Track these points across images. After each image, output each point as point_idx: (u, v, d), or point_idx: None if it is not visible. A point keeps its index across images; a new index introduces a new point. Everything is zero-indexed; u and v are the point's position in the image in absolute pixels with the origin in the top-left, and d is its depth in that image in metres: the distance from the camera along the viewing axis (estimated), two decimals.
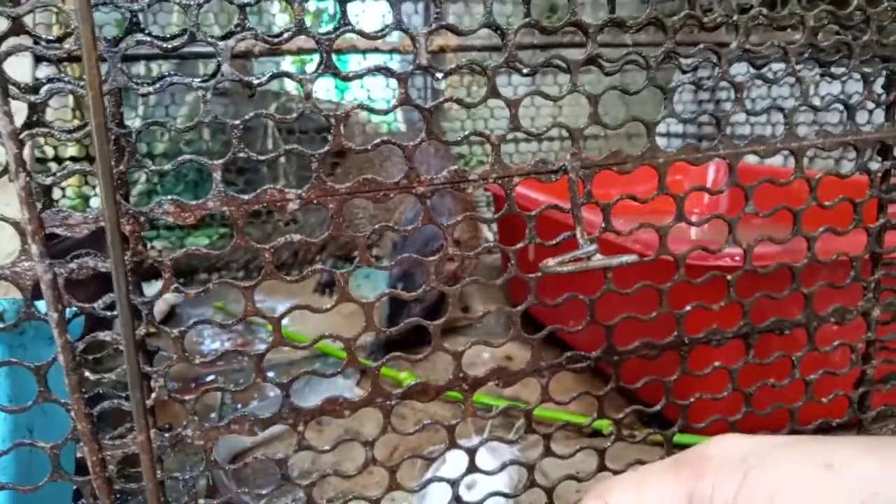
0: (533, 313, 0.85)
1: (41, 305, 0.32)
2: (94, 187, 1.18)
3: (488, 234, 1.23)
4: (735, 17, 0.39)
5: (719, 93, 1.36)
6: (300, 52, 0.41)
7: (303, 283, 0.37)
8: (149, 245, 1.12)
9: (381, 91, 1.35)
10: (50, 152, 1.14)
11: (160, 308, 0.95)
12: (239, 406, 0.72)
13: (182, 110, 1.18)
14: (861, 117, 0.44)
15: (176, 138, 1.24)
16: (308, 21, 0.34)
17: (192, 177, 1.32)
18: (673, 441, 0.44)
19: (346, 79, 0.36)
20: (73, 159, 1.12)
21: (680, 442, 0.45)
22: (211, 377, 0.77)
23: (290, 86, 1.40)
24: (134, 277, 0.34)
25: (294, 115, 0.35)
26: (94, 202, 1.11)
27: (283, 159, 1.44)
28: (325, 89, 1.45)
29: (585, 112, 0.38)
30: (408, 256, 0.38)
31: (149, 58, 0.35)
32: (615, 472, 0.41)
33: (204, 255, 0.34)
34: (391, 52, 0.47)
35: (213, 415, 0.69)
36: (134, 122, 1.21)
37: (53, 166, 1.07)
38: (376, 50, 0.46)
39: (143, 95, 0.33)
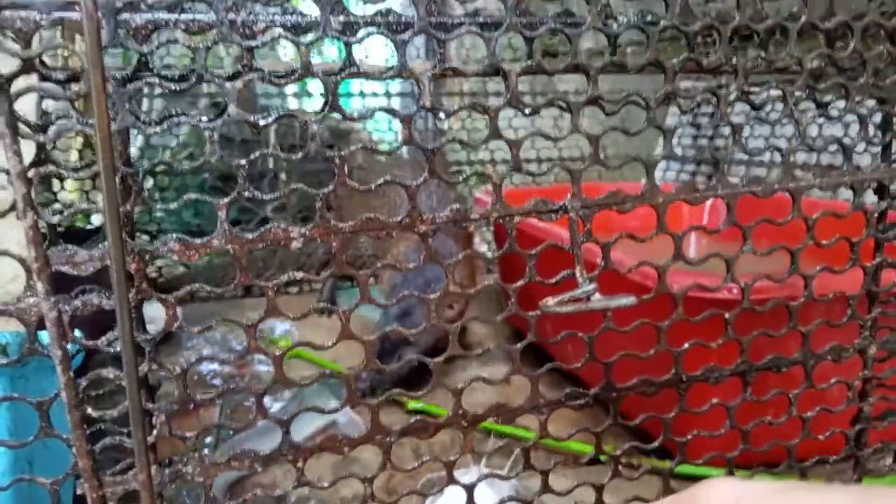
0: None
1: (44, 336, 0.32)
2: (94, 203, 1.18)
3: (488, 254, 1.23)
4: (734, 60, 0.40)
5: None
6: (304, 76, 0.41)
7: (302, 301, 0.38)
8: (150, 261, 1.13)
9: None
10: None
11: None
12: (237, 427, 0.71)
13: (184, 129, 1.19)
14: (858, 147, 0.44)
15: (177, 152, 1.25)
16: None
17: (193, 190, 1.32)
18: (673, 472, 0.44)
19: (351, 119, 0.36)
20: (74, 170, 1.12)
21: (680, 473, 0.45)
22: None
23: (293, 103, 1.41)
24: (137, 314, 0.34)
25: (299, 155, 0.36)
26: (96, 219, 1.10)
27: (283, 175, 1.46)
28: None
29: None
30: (408, 295, 0.38)
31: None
32: None
33: (209, 292, 0.35)
34: (394, 77, 0.47)
35: (209, 439, 0.69)
36: (137, 139, 1.22)
37: (55, 183, 1.07)
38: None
39: (150, 135, 0.34)
